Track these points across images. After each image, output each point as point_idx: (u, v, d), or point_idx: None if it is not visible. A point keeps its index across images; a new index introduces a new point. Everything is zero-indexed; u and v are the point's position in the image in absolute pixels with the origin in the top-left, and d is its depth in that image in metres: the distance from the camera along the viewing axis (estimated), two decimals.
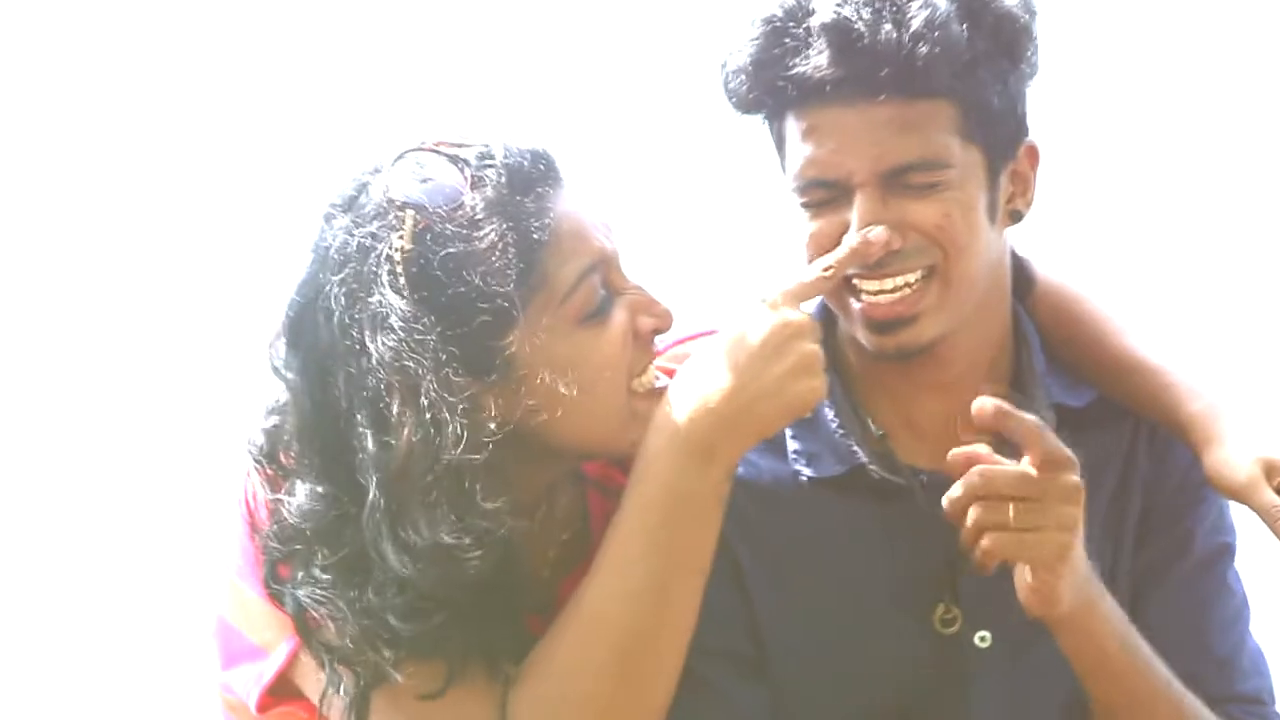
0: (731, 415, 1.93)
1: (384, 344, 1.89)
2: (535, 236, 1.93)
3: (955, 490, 1.93)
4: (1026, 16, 2.04)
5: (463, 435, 1.88)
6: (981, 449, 1.94)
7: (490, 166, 1.94)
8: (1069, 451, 1.93)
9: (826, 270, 2.00)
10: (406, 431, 1.87)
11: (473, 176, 1.94)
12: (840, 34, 1.98)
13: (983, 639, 2.10)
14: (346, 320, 1.91)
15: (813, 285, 2.00)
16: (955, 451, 1.94)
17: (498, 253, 1.91)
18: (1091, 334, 2.17)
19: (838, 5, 1.98)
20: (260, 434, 2.02)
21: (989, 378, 2.13)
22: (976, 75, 2.01)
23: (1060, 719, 2.12)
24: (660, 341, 2.07)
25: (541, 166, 1.96)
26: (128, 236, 3.59)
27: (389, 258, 1.90)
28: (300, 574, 1.96)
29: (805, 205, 2.05)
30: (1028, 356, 2.16)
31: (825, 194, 2.03)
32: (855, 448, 2.13)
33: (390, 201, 1.93)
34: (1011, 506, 1.91)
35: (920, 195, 2.01)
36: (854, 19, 1.97)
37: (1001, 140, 2.06)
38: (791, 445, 2.16)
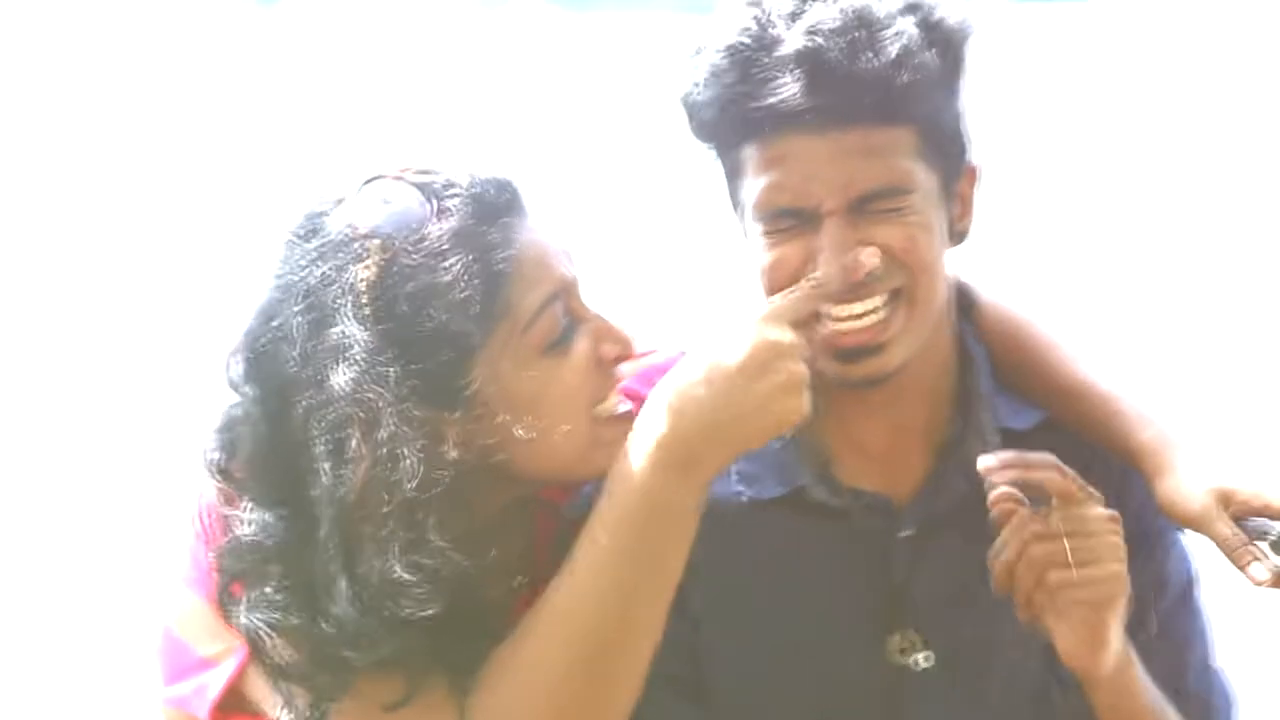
0: (714, 429, 1.93)
1: (345, 375, 1.88)
2: (499, 267, 1.92)
3: (1009, 534, 1.96)
4: (969, 33, 2.03)
5: (418, 470, 1.87)
6: (1016, 492, 1.97)
7: (455, 196, 1.94)
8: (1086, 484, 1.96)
9: (814, 286, 1.98)
10: (364, 466, 1.87)
11: (438, 206, 1.93)
12: (815, 63, 1.95)
13: (927, 659, 2.11)
14: (308, 350, 1.90)
15: (802, 301, 1.98)
16: (996, 494, 1.96)
17: (461, 284, 1.90)
18: (1038, 359, 2.17)
19: (808, 34, 1.96)
20: (215, 449, 2.00)
21: (933, 399, 2.14)
22: (937, 99, 2.01)
23: None
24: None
25: (506, 196, 1.96)
26: (94, 244, 3.58)
27: (353, 289, 1.90)
28: (253, 594, 1.95)
29: (767, 234, 2.03)
30: (972, 378, 2.16)
31: (791, 222, 2.01)
32: (797, 469, 2.13)
33: (355, 231, 1.93)
34: (1067, 544, 1.94)
35: (885, 219, 2.00)
36: (828, 48, 1.95)
37: (953, 161, 2.06)
38: (734, 466, 2.13)
